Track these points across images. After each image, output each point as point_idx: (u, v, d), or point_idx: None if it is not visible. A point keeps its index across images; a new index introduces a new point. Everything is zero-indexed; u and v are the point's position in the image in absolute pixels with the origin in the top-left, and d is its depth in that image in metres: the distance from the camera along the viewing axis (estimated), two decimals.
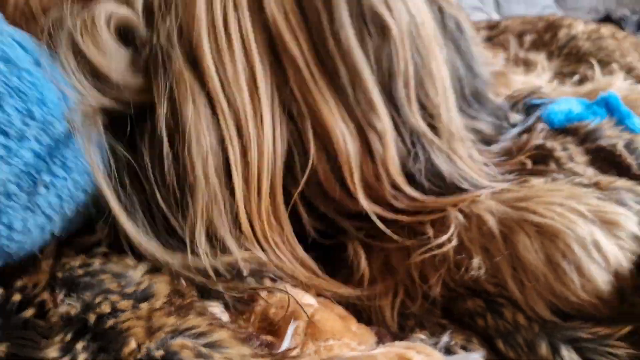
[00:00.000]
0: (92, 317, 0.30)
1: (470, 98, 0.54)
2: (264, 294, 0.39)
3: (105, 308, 0.30)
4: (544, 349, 0.38)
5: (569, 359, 0.37)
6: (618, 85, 0.78)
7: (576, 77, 0.91)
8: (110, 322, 0.30)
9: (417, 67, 0.46)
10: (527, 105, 0.63)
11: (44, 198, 0.30)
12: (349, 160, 0.42)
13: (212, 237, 0.38)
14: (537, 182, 0.48)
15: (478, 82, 0.55)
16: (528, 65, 0.96)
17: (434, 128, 0.47)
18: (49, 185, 0.30)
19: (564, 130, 0.62)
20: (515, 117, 0.58)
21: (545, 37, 1.02)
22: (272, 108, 0.41)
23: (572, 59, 0.97)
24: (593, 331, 0.38)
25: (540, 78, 0.86)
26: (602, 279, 0.39)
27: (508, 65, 0.94)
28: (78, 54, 0.35)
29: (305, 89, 0.41)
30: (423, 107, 0.47)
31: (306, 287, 0.42)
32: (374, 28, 0.43)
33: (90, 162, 0.33)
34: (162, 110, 0.36)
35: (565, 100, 0.69)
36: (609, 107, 0.69)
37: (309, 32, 0.42)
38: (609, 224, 0.41)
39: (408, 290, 0.43)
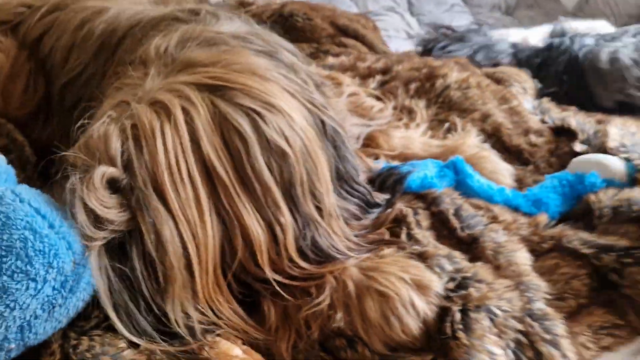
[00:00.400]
0: None
1: (344, 184, 0.75)
2: (208, 348, 0.59)
3: None
4: None
5: None
6: (469, 144, 1.02)
7: (446, 125, 1.15)
8: None
9: (309, 172, 0.66)
10: (395, 179, 0.85)
11: (58, 312, 0.49)
12: (260, 247, 0.63)
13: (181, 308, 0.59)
14: (388, 252, 0.71)
15: (350, 170, 0.76)
16: (411, 113, 1.19)
17: (320, 210, 0.69)
18: (61, 305, 0.49)
19: (418, 195, 0.86)
20: (379, 196, 0.80)
21: (427, 86, 1.26)
22: (211, 218, 0.61)
23: (445, 107, 1.21)
24: (410, 359, 0.62)
25: (417, 131, 1.09)
26: (415, 327, 0.62)
27: (394, 114, 1.16)
28: (84, 206, 0.54)
29: (232, 202, 0.61)
30: (313, 196, 0.68)
31: (237, 338, 0.63)
32: (277, 155, 0.64)
33: (95, 277, 0.52)
34: (147, 233, 0.56)
35: (423, 164, 0.93)
36: (456, 169, 0.93)
37: (233, 163, 0.61)
38: (422, 288, 0.64)
39: (298, 333, 0.65)
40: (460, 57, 1.48)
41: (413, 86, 1.26)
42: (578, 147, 1.07)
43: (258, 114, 0.62)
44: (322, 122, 0.73)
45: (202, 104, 0.61)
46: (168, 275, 0.57)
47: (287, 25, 1.87)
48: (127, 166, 0.58)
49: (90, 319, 0.57)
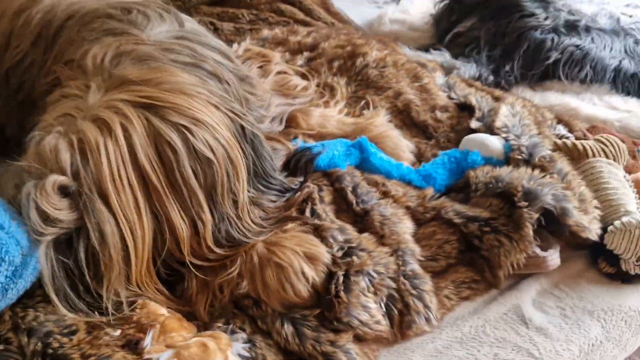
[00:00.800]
0: (49, 350, 0.64)
1: (262, 180, 0.88)
2: (138, 309, 0.74)
3: (54, 343, 0.65)
4: (278, 323, 0.78)
5: (287, 327, 0.78)
6: (376, 123, 1.17)
7: (362, 102, 1.29)
8: (60, 351, 0.64)
9: (229, 175, 0.79)
10: (306, 159, 0.99)
11: (10, 294, 0.63)
12: (184, 239, 0.77)
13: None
14: (290, 227, 0.86)
15: (267, 167, 0.89)
16: (332, 91, 1.32)
17: (236, 204, 0.83)
18: (12, 288, 0.63)
19: (325, 173, 1.01)
20: (294, 180, 0.94)
21: (348, 64, 1.38)
22: (147, 218, 0.73)
23: (363, 85, 1.35)
24: (301, 313, 0.79)
25: (334, 109, 1.23)
26: (305, 291, 0.79)
27: (317, 91, 1.29)
28: (37, 207, 0.66)
29: (162, 204, 0.74)
30: (232, 194, 0.81)
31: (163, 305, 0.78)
32: (203, 163, 0.76)
33: (42, 265, 0.66)
34: (92, 230, 0.69)
35: (333, 144, 1.07)
36: (361, 147, 1.08)
37: (165, 171, 0.74)
38: (313, 259, 0.81)
39: (214, 296, 0.81)
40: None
41: (336, 64, 1.38)
42: (474, 124, 1.23)
43: (187, 128, 0.74)
44: (242, 127, 0.85)
45: (138, 120, 0.73)
46: (108, 265, 0.71)
47: None
48: (76, 175, 0.70)
49: (34, 296, 0.71)
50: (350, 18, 2.52)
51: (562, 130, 1.25)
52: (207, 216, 0.77)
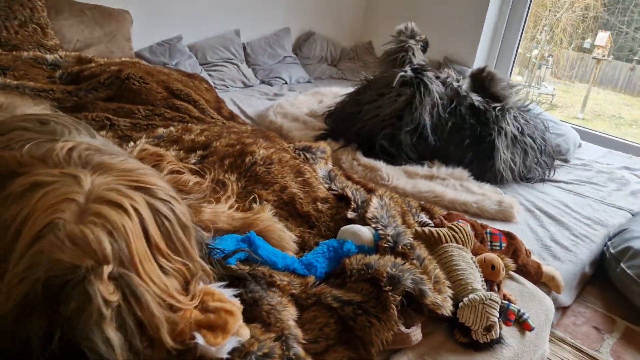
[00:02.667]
0: None
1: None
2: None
3: None
4: None
5: None
6: (262, 218, 1.30)
7: (252, 197, 1.43)
8: None
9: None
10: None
11: None
12: None
13: None
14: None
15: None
16: (224, 186, 1.44)
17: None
18: None
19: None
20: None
21: (238, 161, 1.53)
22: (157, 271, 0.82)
23: (252, 181, 1.49)
24: None
25: (225, 205, 1.35)
26: None
27: (211, 187, 1.41)
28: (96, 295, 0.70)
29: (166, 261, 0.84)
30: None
31: None
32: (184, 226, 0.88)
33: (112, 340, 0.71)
34: (135, 305, 0.75)
35: (226, 239, 1.19)
36: (250, 241, 1.20)
37: (163, 236, 0.84)
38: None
39: None
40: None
41: (227, 162, 1.52)
42: (350, 214, 1.40)
43: (170, 202, 0.87)
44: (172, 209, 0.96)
45: (141, 200, 0.82)
46: (155, 327, 0.77)
47: (123, 87, 2.04)
48: (114, 256, 0.76)
49: None
50: (243, 109, 2.72)
51: (423, 217, 1.46)
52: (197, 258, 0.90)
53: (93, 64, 2.20)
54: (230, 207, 1.36)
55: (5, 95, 1.32)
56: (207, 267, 0.96)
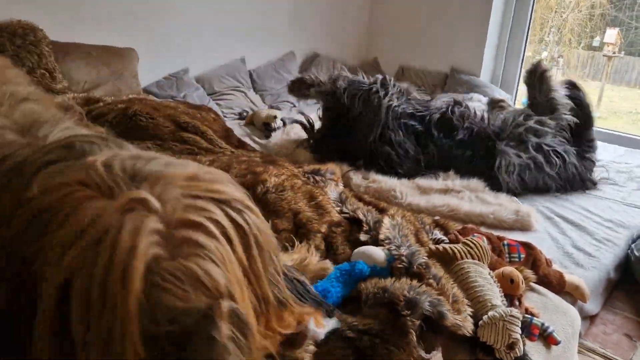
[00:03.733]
0: None
1: None
2: None
3: None
4: None
5: None
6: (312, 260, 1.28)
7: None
8: None
9: None
10: None
11: None
12: None
13: None
14: None
15: None
16: None
17: None
18: None
19: None
20: None
21: (250, 192, 1.52)
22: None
23: (265, 209, 1.48)
24: None
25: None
26: None
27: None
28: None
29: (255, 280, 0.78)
30: None
31: None
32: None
33: None
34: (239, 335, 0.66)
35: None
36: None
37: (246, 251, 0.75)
38: None
39: None
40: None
41: None
42: (362, 236, 1.39)
43: (250, 212, 0.75)
44: None
45: (222, 217, 0.69)
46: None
47: (131, 124, 2.06)
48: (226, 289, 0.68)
49: None
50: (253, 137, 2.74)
51: (437, 234, 1.43)
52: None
53: (101, 104, 2.23)
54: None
55: (34, 85, 1.26)
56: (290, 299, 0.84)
